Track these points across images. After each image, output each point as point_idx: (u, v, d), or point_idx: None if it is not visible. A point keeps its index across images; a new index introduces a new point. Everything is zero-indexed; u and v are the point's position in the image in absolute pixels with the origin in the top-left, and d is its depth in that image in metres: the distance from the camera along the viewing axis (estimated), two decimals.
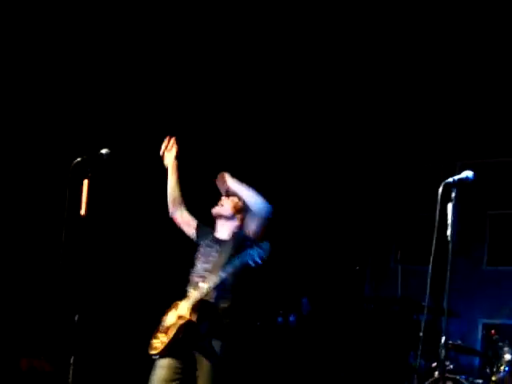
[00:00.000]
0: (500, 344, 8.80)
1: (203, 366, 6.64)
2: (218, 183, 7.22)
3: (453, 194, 5.51)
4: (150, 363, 6.84)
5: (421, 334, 7.37)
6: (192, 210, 7.29)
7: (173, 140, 7.27)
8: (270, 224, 10.30)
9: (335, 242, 11.72)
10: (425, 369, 8.53)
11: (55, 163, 6.14)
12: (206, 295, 6.65)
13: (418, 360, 8.41)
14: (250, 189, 6.94)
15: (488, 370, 8.75)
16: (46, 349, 9.37)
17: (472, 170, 5.52)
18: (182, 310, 6.73)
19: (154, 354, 6.75)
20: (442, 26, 10.36)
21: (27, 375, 9.34)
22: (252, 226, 6.97)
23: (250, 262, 6.51)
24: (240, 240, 6.97)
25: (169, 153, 7.27)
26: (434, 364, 8.26)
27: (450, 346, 8.20)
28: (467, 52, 10.74)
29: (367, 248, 12.08)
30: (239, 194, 7.01)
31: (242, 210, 7.09)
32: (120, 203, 10.24)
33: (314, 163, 12.02)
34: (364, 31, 10.79)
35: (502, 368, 8.66)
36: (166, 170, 7.28)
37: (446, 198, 5.55)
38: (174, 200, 7.25)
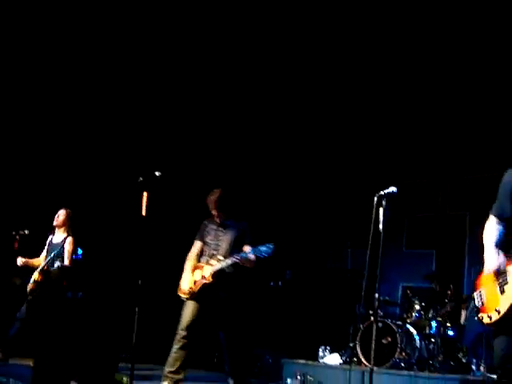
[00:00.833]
0: (412, 299, 8.83)
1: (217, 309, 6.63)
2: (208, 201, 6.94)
3: (383, 202, 5.57)
4: None
5: (362, 292, 7.39)
6: None
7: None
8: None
9: (308, 233, 11.63)
10: (364, 315, 8.53)
11: (127, 181, 6.15)
12: (222, 267, 6.60)
13: (360, 309, 8.39)
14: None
15: (405, 316, 8.77)
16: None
17: (395, 187, 5.60)
18: (205, 272, 6.63)
19: (184, 297, 6.69)
20: (408, 47, 9.21)
21: None
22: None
23: (260, 256, 6.56)
24: (241, 228, 6.88)
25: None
26: (371, 312, 8.25)
27: (380, 300, 8.22)
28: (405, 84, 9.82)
29: (329, 238, 12.04)
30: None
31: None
32: (168, 210, 9.84)
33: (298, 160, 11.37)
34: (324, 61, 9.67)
35: (413, 314, 8.69)
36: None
37: (379, 205, 5.60)
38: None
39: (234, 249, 6.73)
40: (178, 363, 6.48)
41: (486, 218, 4.43)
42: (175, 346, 6.54)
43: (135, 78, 9.50)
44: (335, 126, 10.55)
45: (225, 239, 6.80)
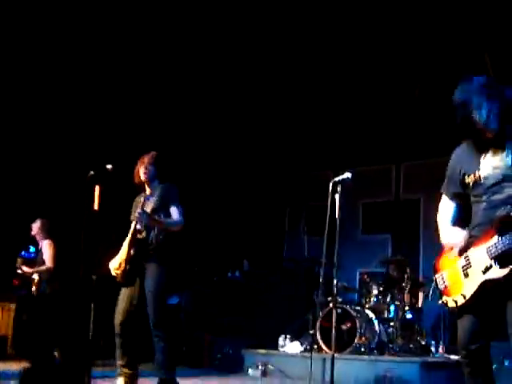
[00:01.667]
0: (370, 284, 8.86)
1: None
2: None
3: (338, 188, 5.55)
4: None
5: (321, 280, 7.37)
6: None
7: None
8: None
9: (264, 223, 11.63)
10: (323, 302, 8.53)
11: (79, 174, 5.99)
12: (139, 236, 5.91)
13: (319, 297, 8.38)
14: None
15: (363, 301, 8.81)
16: None
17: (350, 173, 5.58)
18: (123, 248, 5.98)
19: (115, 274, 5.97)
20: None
21: None
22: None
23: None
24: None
25: None
26: (330, 298, 8.24)
27: (338, 286, 8.21)
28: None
29: (285, 226, 12.06)
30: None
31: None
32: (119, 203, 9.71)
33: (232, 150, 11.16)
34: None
35: (371, 299, 8.73)
36: None
37: (334, 191, 5.59)
38: None
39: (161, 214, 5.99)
40: (126, 358, 5.83)
41: (439, 201, 4.42)
42: (117, 340, 5.87)
43: (90, 67, 9.27)
44: (286, 111, 10.48)
45: (149, 203, 5.99)
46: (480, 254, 3.95)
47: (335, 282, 5.76)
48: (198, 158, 10.86)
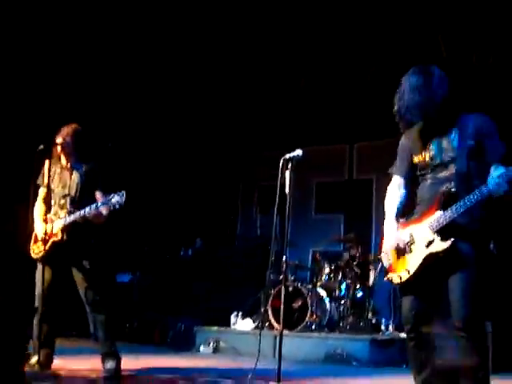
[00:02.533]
0: (321, 262, 8.93)
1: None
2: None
3: (289, 165, 5.54)
4: None
5: (271, 258, 7.38)
6: None
7: None
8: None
9: (218, 202, 11.60)
10: (275, 280, 8.56)
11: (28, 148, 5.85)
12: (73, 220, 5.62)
13: (271, 275, 8.41)
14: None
15: (314, 279, 8.87)
16: None
17: (301, 150, 5.56)
18: (54, 227, 5.66)
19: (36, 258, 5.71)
20: None
21: None
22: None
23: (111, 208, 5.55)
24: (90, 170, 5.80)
25: None
26: (281, 277, 8.25)
27: (290, 264, 8.27)
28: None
29: (238, 205, 12.06)
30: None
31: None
32: None
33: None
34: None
35: (323, 277, 8.79)
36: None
37: (284, 168, 5.57)
38: None
39: (84, 197, 5.72)
40: (42, 336, 5.54)
41: (391, 180, 4.47)
42: (35, 320, 5.59)
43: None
44: (240, 89, 10.43)
45: (73, 186, 5.74)
46: (423, 230, 4.07)
47: (284, 258, 5.74)
48: (152, 136, 10.76)
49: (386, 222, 4.34)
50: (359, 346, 7.79)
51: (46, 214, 5.73)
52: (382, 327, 8.74)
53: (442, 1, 8.38)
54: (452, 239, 3.93)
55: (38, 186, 5.89)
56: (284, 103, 10.44)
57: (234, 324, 8.97)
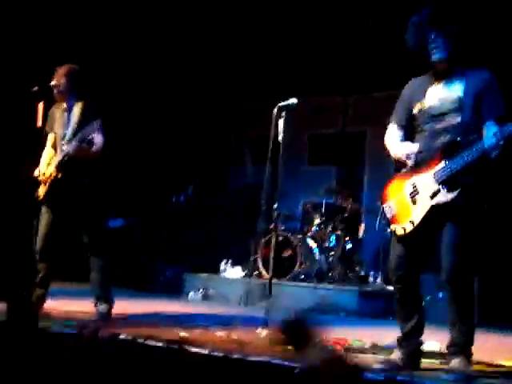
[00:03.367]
0: (312, 214, 8.99)
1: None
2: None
3: (283, 114, 5.54)
4: None
5: (262, 207, 7.44)
6: None
7: None
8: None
9: (208, 149, 11.56)
10: (265, 230, 8.61)
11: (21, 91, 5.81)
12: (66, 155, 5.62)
13: (261, 223, 8.46)
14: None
15: (305, 230, 8.93)
16: None
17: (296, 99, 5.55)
18: (51, 167, 5.74)
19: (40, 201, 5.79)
20: None
21: None
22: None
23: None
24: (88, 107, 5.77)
25: None
26: (272, 226, 8.29)
27: (281, 214, 8.27)
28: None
29: (231, 156, 12.07)
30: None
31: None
32: None
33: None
34: None
35: (313, 228, 8.86)
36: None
37: (278, 116, 5.57)
38: None
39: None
40: (38, 277, 5.68)
41: (384, 133, 4.48)
42: (39, 266, 5.72)
43: None
44: (232, 39, 10.30)
45: (71, 124, 5.72)
46: (427, 180, 4.07)
47: (274, 207, 5.80)
48: (147, 83, 10.66)
49: (396, 147, 4.32)
50: (347, 296, 7.89)
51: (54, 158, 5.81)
52: (370, 279, 8.85)
53: None
54: (458, 190, 3.95)
55: (47, 132, 5.92)
56: (279, 53, 10.33)
57: (223, 271, 9.06)
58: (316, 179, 10.55)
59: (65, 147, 5.65)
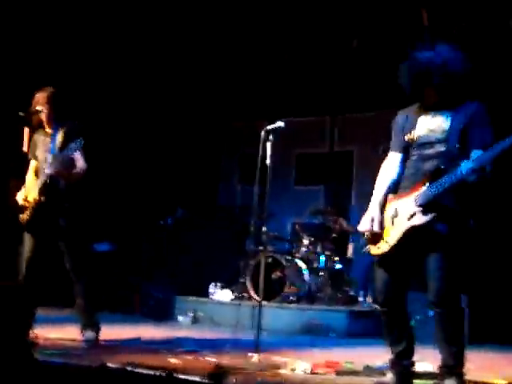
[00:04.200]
0: (301, 234, 8.97)
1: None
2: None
3: (270, 137, 5.57)
4: None
5: (251, 228, 7.42)
6: None
7: None
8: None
9: (200, 172, 11.54)
10: (254, 251, 8.59)
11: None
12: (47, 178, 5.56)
13: (250, 245, 8.46)
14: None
15: (293, 251, 8.91)
16: None
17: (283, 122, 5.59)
18: (33, 192, 5.65)
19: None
20: None
21: None
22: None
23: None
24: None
25: None
26: (261, 247, 8.28)
27: (269, 235, 8.27)
28: None
29: (220, 174, 12.06)
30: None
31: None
32: None
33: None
34: None
35: (302, 249, 8.84)
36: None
37: (266, 139, 5.58)
38: None
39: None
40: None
41: (372, 154, 4.52)
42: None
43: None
44: (221, 57, 10.33)
45: (53, 147, 5.65)
46: (407, 204, 4.14)
47: (263, 229, 5.79)
48: (134, 102, 10.65)
49: (372, 198, 4.38)
50: (337, 317, 7.86)
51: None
52: (360, 299, 8.83)
53: None
54: (433, 214, 4.00)
55: (29, 158, 5.90)
56: (268, 73, 10.38)
57: (212, 294, 9.01)
58: (304, 199, 10.57)
59: (47, 170, 5.58)
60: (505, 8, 8.03)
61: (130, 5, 9.17)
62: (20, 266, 5.69)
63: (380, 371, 4.58)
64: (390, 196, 4.31)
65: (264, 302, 5.90)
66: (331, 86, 10.25)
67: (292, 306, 8.21)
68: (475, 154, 4.01)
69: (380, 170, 4.45)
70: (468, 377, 4.14)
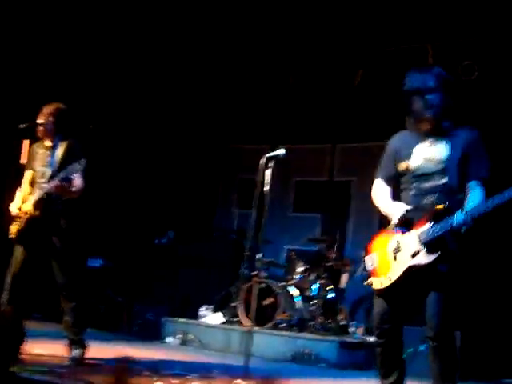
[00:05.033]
0: (295, 261, 8.93)
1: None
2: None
3: (270, 164, 5.58)
4: None
5: (246, 253, 7.38)
6: None
7: None
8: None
9: (198, 195, 11.53)
10: (248, 276, 8.54)
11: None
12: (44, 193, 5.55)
13: (244, 270, 8.42)
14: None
15: (287, 277, 8.87)
16: None
17: (285, 149, 5.60)
18: (28, 204, 5.61)
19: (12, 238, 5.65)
20: None
21: None
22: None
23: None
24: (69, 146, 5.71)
25: None
26: (255, 272, 8.23)
27: (264, 261, 8.24)
28: None
29: (218, 198, 12.05)
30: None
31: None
32: None
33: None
34: None
35: (296, 276, 8.80)
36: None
37: (266, 167, 5.58)
38: None
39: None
40: None
41: (370, 185, 4.49)
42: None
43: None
44: (222, 83, 10.38)
45: (53, 164, 5.65)
46: (411, 239, 4.09)
47: (257, 256, 5.77)
48: (134, 123, 10.66)
49: (384, 205, 4.30)
50: (327, 347, 7.78)
51: (29, 195, 5.69)
52: (352, 330, 8.75)
53: (434, 10, 8.38)
54: (438, 253, 3.96)
55: (25, 169, 5.86)
56: (270, 99, 10.43)
57: (202, 317, 8.94)
58: (301, 226, 10.54)
59: (45, 185, 5.57)
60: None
61: (131, 26, 9.20)
62: (6, 280, 5.60)
63: None
64: (390, 227, 4.24)
65: (255, 328, 5.84)
66: (333, 115, 10.29)
67: (283, 333, 8.13)
68: (474, 185, 4.02)
69: (373, 194, 4.42)
70: None
